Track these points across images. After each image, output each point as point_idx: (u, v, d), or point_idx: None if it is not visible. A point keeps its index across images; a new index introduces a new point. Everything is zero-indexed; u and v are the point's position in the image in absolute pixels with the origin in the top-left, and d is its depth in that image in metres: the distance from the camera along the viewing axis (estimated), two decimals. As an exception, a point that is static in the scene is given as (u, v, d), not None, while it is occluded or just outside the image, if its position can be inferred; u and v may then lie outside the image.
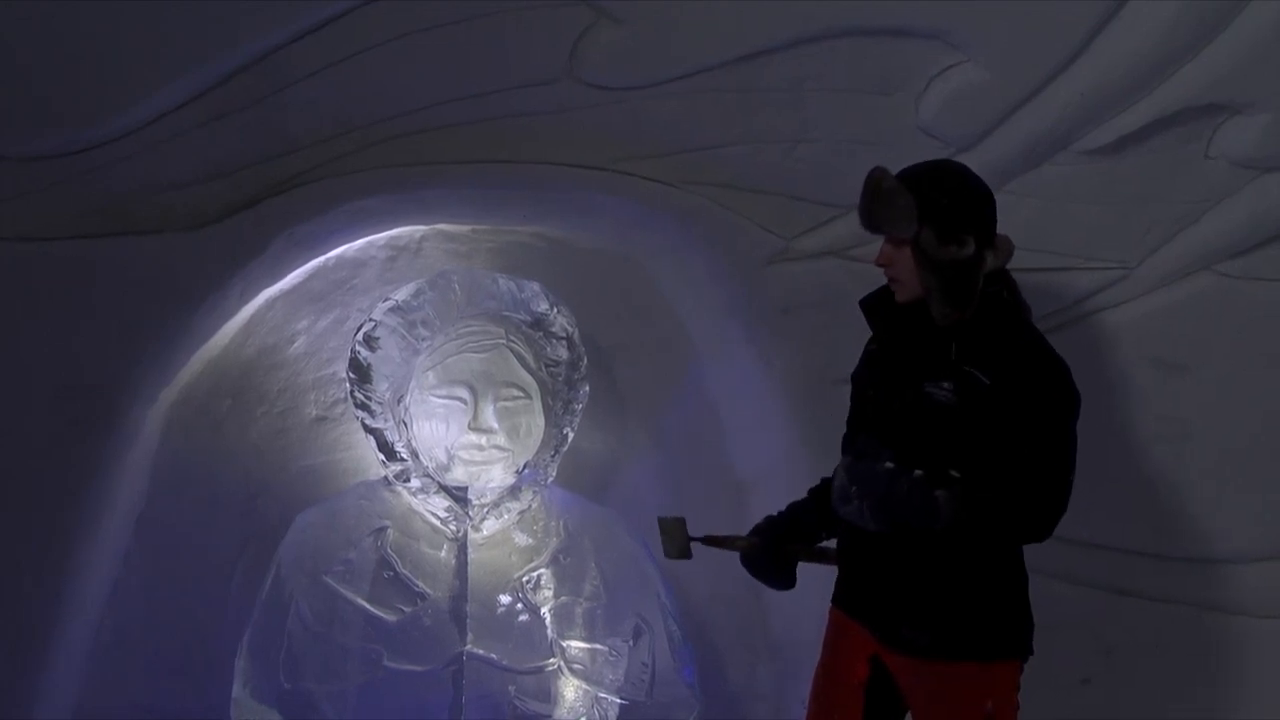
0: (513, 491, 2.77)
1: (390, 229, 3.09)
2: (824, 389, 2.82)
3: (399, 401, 2.78)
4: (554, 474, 2.89)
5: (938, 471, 2.03)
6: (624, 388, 3.24)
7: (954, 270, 2.08)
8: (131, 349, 2.75)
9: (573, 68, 2.71)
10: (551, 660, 2.65)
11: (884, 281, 2.22)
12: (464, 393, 2.72)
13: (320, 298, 3.11)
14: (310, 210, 2.79)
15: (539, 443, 2.80)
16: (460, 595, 2.67)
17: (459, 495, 2.75)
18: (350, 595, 2.62)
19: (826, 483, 2.35)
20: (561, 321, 2.87)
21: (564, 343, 2.87)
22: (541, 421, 2.78)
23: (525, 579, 2.72)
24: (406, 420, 2.76)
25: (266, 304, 3.07)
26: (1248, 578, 3.01)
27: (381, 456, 2.80)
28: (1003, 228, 2.17)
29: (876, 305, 2.23)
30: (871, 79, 2.79)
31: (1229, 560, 3.01)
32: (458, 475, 2.75)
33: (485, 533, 2.75)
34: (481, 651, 2.61)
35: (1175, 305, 2.97)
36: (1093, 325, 2.97)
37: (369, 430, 2.80)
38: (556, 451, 2.87)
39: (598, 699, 2.63)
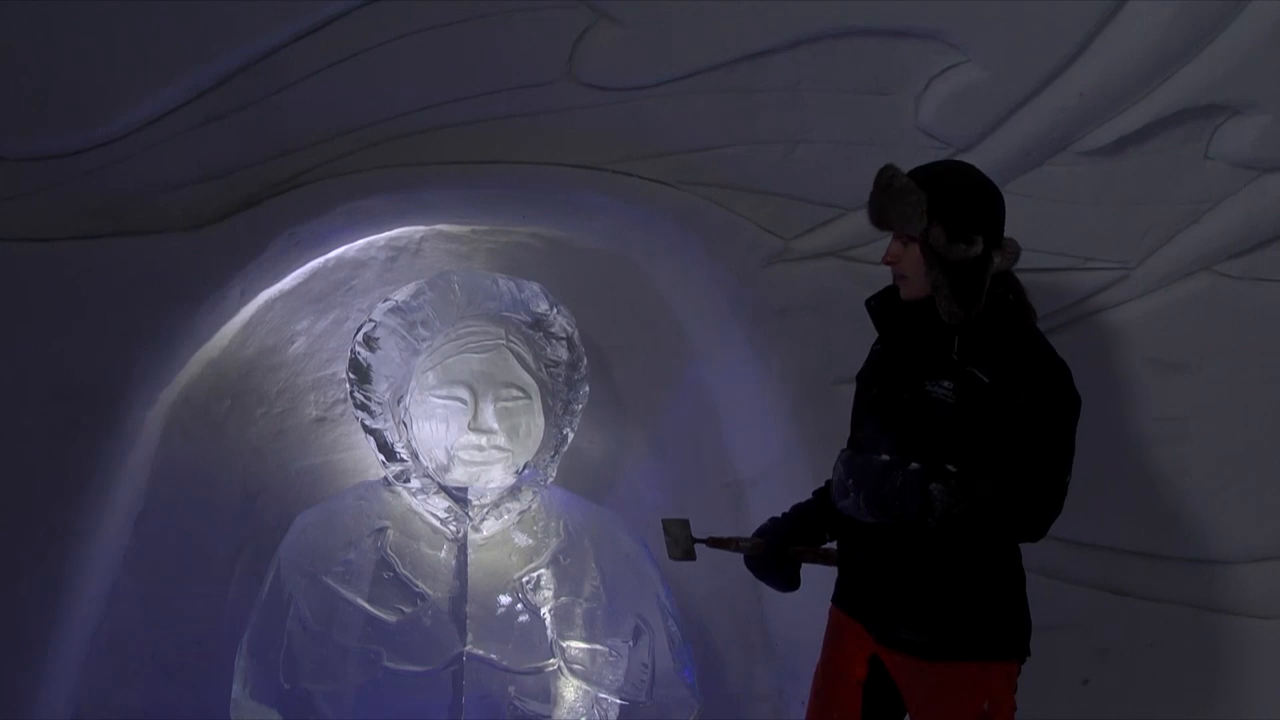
0: (512, 492, 2.76)
1: (390, 229, 3.09)
2: (822, 389, 2.83)
3: (399, 402, 2.77)
4: (554, 474, 2.88)
5: (935, 465, 2.04)
6: (623, 388, 3.24)
7: (962, 269, 2.09)
8: (130, 350, 2.75)
9: (572, 68, 2.72)
10: (551, 661, 2.64)
11: (887, 282, 2.23)
12: (464, 393, 2.71)
13: (320, 298, 3.11)
14: (310, 211, 2.79)
15: (539, 443, 2.80)
16: (460, 596, 2.67)
17: (459, 496, 2.75)
18: (350, 596, 2.61)
19: (826, 485, 2.36)
20: (561, 322, 2.87)
21: (564, 343, 2.87)
22: (541, 422, 2.78)
23: (525, 579, 2.72)
24: (406, 421, 2.76)
25: (266, 305, 3.07)
26: (1246, 578, 3.01)
27: (381, 457, 2.79)
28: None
29: (882, 304, 2.23)
30: (871, 80, 2.79)
31: (1227, 560, 3.01)
32: (457, 476, 2.75)
33: (485, 533, 2.75)
34: (481, 652, 2.61)
35: (1175, 305, 2.97)
36: (1092, 325, 2.98)
37: (368, 431, 2.80)
38: (556, 452, 2.87)
39: (597, 699, 2.63)
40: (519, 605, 2.69)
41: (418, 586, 2.66)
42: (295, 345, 3.10)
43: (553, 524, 2.81)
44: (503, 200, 2.97)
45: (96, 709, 2.93)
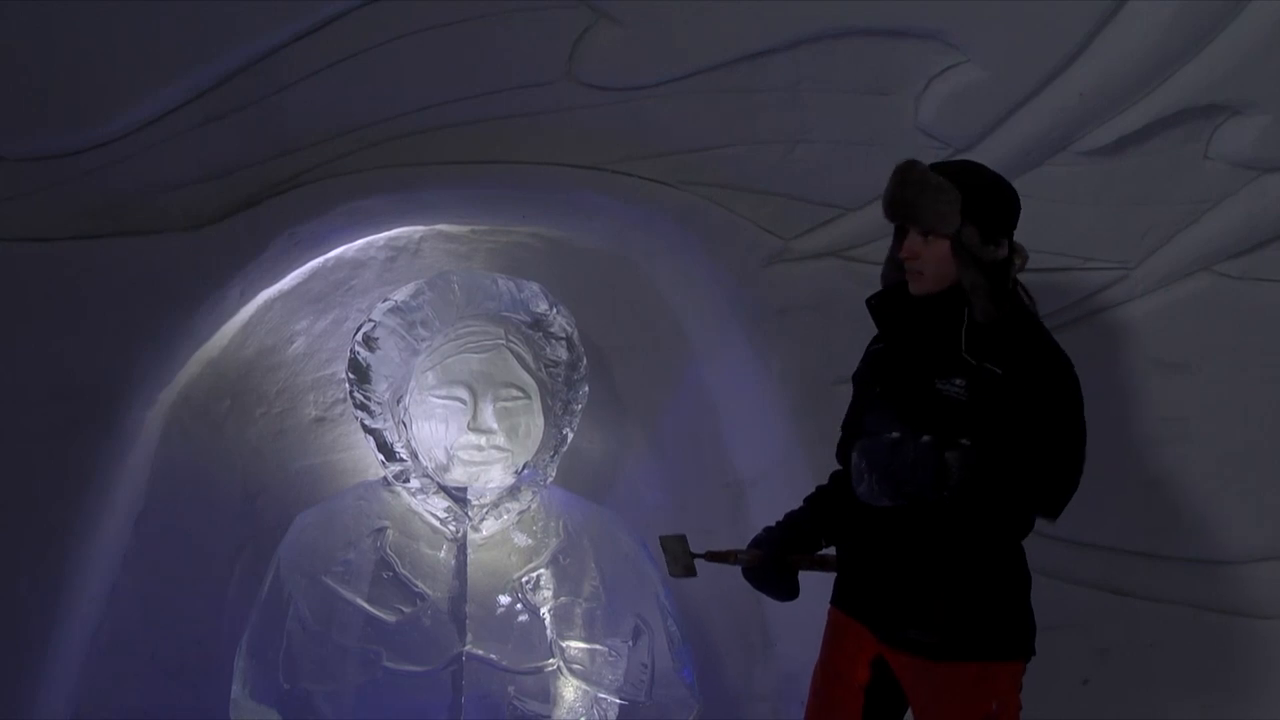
0: (512, 492, 2.76)
1: (389, 229, 3.09)
2: (822, 389, 2.83)
3: (398, 402, 2.77)
4: (553, 474, 2.88)
5: (947, 437, 2.02)
6: (622, 388, 3.24)
7: (994, 269, 2.09)
8: (130, 350, 2.75)
9: (572, 68, 2.72)
10: (551, 661, 2.64)
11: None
12: (463, 393, 2.71)
13: (319, 298, 3.11)
14: (309, 210, 2.79)
15: (538, 443, 2.80)
16: (459, 596, 2.67)
17: (458, 496, 2.75)
18: (349, 596, 2.61)
19: (822, 490, 2.36)
20: (561, 322, 2.87)
21: (563, 343, 2.87)
22: (541, 422, 2.78)
23: (524, 579, 2.72)
24: (406, 421, 2.76)
25: (265, 305, 3.07)
26: (1246, 578, 3.01)
27: (381, 457, 2.79)
28: (1003, 228, 2.18)
29: (883, 303, 2.23)
30: (870, 80, 2.79)
31: (1227, 560, 3.01)
32: (457, 476, 2.75)
33: (484, 533, 2.75)
34: (481, 652, 2.61)
35: (1175, 305, 2.97)
36: (1093, 326, 2.98)
37: (368, 431, 2.80)
38: (556, 452, 2.87)
39: (597, 699, 2.63)
40: (518, 605, 2.69)
41: (417, 586, 2.66)
42: (295, 345, 3.10)
43: (552, 524, 2.81)
44: (503, 200, 2.97)
45: (96, 709, 2.93)
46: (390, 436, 2.79)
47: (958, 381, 2.07)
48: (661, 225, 2.96)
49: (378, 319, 2.79)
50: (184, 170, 2.68)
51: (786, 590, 2.31)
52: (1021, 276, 2.20)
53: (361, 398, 2.79)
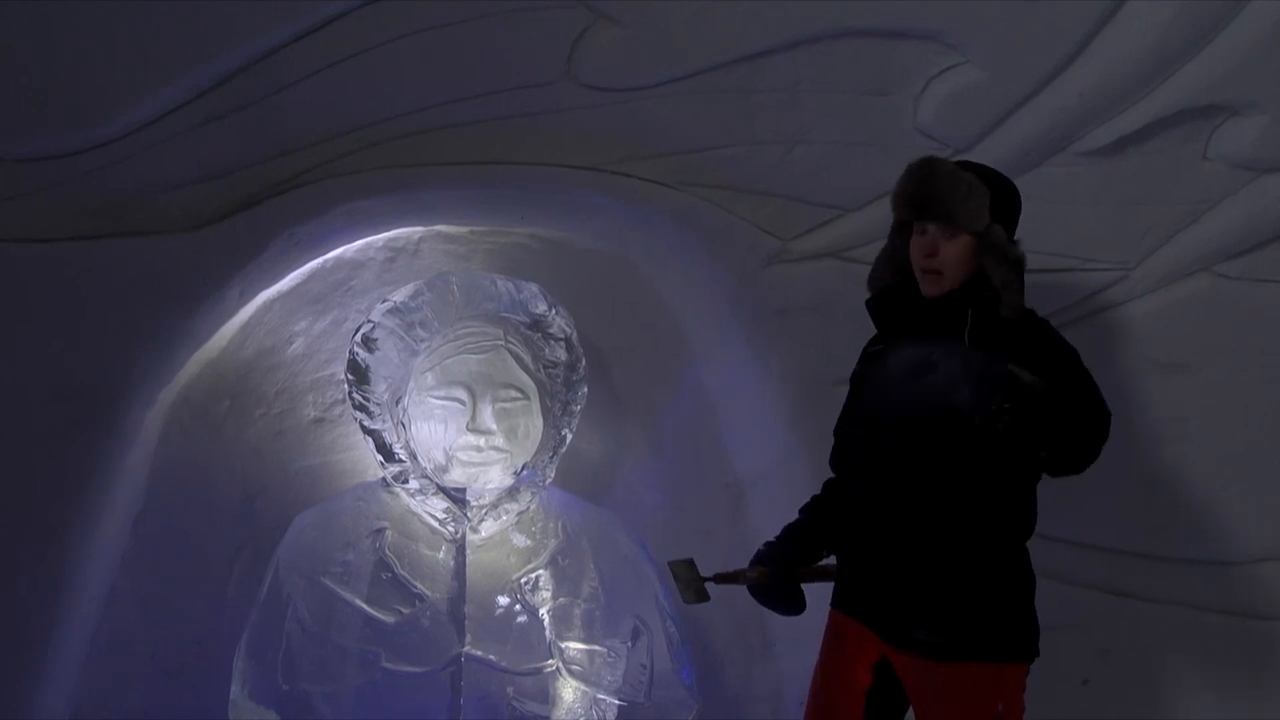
0: (511, 493, 2.76)
1: (388, 230, 3.10)
2: (822, 390, 2.82)
3: (397, 403, 2.77)
4: (552, 475, 2.88)
5: (957, 469, 2.02)
6: (621, 389, 3.24)
7: (1017, 267, 2.10)
8: (129, 350, 2.75)
9: (570, 69, 2.72)
10: (550, 661, 2.64)
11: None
12: (462, 394, 2.71)
13: (318, 299, 3.11)
14: (309, 211, 2.79)
15: (537, 444, 2.80)
16: (458, 596, 2.66)
17: (457, 497, 2.74)
18: (348, 596, 2.61)
19: (818, 500, 2.35)
20: (560, 323, 2.87)
21: (562, 344, 2.87)
22: (540, 423, 2.78)
23: (523, 580, 2.71)
24: (405, 421, 2.76)
25: (265, 305, 3.07)
26: (1247, 578, 3.00)
27: (380, 458, 2.79)
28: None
29: (882, 304, 2.22)
30: (869, 80, 2.79)
31: (1228, 561, 3.00)
32: (456, 476, 2.75)
33: (483, 534, 2.75)
34: (480, 653, 2.61)
35: (1175, 305, 2.97)
36: (1092, 326, 2.97)
37: (367, 432, 2.80)
38: (555, 453, 2.87)
39: (596, 700, 2.62)
40: (517, 606, 2.68)
41: (416, 587, 2.66)
42: (294, 346, 3.10)
43: (551, 525, 2.81)
44: (502, 201, 2.97)
45: (96, 709, 2.92)
46: (389, 437, 2.79)
47: None
48: (661, 226, 2.96)
49: (377, 320, 2.79)
50: (184, 170, 2.69)
51: (794, 605, 2.31)
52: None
53: (360, 399, 2.79)
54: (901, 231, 2.21)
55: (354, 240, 3.07)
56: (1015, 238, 2.14)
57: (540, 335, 2.85)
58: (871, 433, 2.19)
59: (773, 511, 2.42)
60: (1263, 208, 2.91)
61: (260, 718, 2.54)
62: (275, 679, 2.53)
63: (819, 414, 2.77)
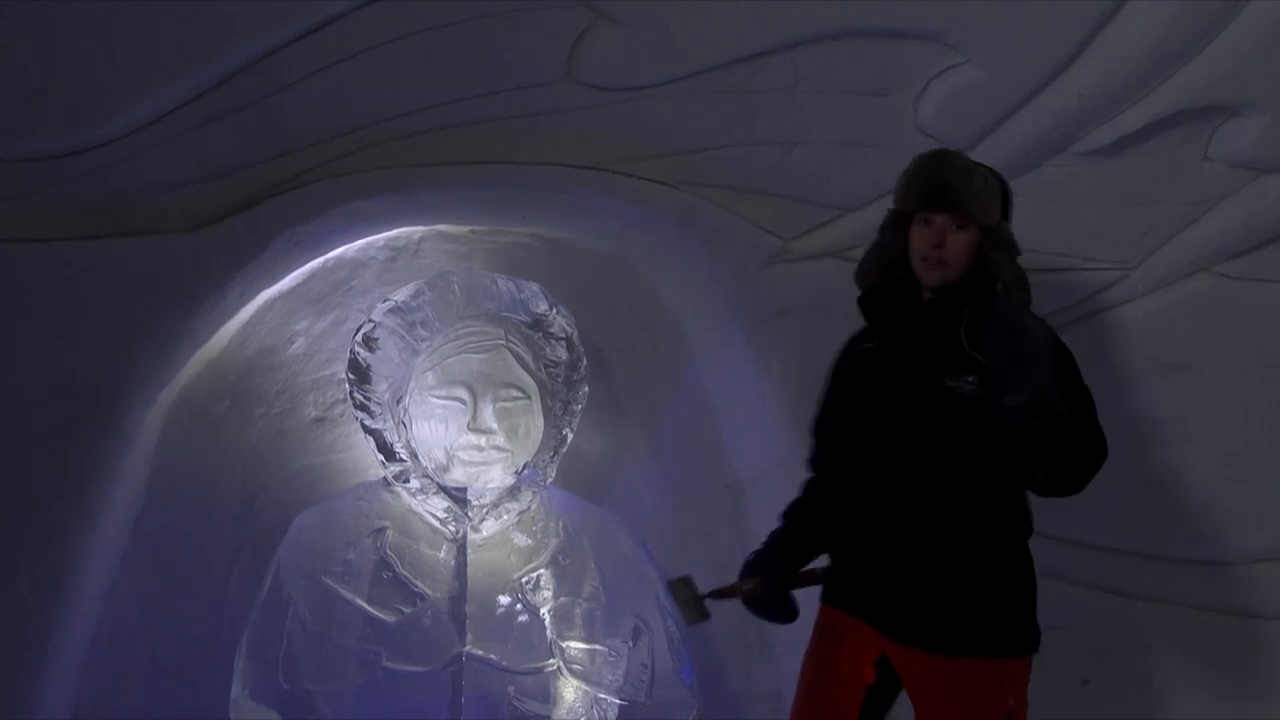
0: (512, 492, 2.76)
1: (389, 230, 3.10)
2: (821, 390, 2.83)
3: (398, 402, 2.77)
4: (553, 475, 2.88)
5: (959, 465, 2.02)
6: (622, 389, 3.24)
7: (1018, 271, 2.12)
8: (130, 350, 2.75)
9: (571, 69, 2.72)
10: (551, 661, 2.64)
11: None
12: (463, 393, 2.71)
13: (319, 299, 3.11)
14: (309, 211, 2.79)
15: (538, 443, 2.79)
16: (459, 596, 2.66)
17: (458, 496, 2.74)
18: (349, 596, 2.61)
19: (801, 502, 2.35)
20: (561, 322, 2.86)
21: (563, 343, 2.86)
22: (540, 422, 2.77)
23: (524, 580, 2.71)
24: (405, 421, 2.75)
25: (265, 305, 3.07)
26: (1246, 578, 3.01)
27: (380, 457, 2.79)
28: (1002, 228, 2.19)
29: (874, 303, 2.22)
30: (869, 80, 2.80)
31: (1228, 561, 3.01)
32: (457, 476, 2.74)
33: (484, 533, 2.74)
34: (480, 652, 2.60)
35: (1175, 305, 2.97)
36: (1092, 326, 2.97)
37: (368, 431, 2.79)
38: (555, 452, 2.86)
39: (597, 699, 2.62)
40: (518, 605, 2.68)
41: (417, 587, 2.65)
42: (294, 345, 3.10)
43: (552, 524, 2.81)
44: (502, 201, 2.97)
45: (96, 709, 2.92)
46: (390, 437, 2.79)
47: (970, 379, 2.05)
48: (661, 226, 2.96)
49: (377, 319, 2.79)
50: (184, 170, 2.68)
51: (788, 614, 2.32)
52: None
53: (361, 398, 2.78)
54: (897, 227, 2.21)
55: (354, 240, 3.07)
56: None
57: (541, 334, 2.84)
58: (870, 429, 2.19)
59: (773, 511, 2.43)
60: (1263, 208, 2.92)
61: (261, 717, 2.53)
62: (276, 678, 2.53)
63: (819, 414, 2.78)
